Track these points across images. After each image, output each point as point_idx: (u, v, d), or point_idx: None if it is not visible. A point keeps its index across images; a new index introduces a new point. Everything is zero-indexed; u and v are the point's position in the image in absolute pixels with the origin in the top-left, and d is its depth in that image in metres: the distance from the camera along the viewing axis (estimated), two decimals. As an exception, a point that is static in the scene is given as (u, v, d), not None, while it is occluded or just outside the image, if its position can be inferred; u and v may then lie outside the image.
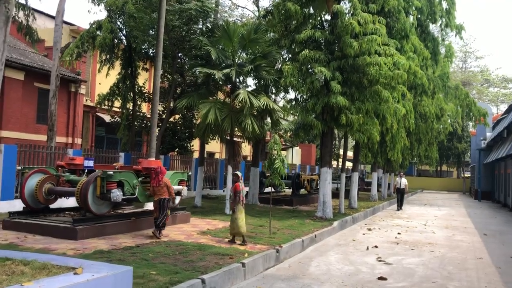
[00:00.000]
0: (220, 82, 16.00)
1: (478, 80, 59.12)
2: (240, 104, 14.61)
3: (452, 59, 26.03)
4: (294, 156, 41.00)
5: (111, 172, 9.34)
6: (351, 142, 33.22)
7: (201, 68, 14.33)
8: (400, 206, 22.76)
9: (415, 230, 14.64)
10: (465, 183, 48.86)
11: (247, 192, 17.25)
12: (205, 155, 32.24)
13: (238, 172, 9.85)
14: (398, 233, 13.61)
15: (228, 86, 16.34)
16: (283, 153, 45.99)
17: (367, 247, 10.69)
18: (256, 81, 16.21)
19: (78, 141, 24.55)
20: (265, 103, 14.18)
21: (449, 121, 32.75)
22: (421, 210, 23.05)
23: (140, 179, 10.75)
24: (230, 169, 15.03)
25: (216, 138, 15.82)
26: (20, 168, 10.21)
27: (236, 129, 15.04)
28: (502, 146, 27.81)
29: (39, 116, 21.76)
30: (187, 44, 17.25)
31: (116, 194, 9.31)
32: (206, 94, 15.24)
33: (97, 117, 26.50)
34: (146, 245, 8.80)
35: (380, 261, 9.23)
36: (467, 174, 51.51)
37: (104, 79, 22.51)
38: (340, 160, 45.10)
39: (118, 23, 19.77)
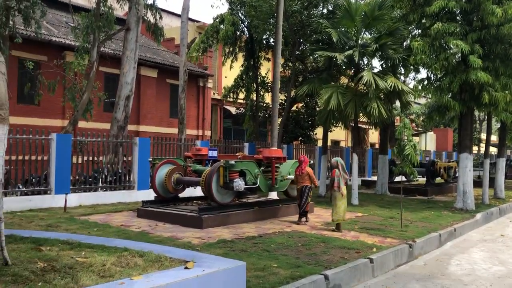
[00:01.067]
0: (343, 66, 15.23)
1: None
2: (364, 87, 13.70)
3: None
4: (428, 142, 38.07)
5: (233, 162, 9.30)
6: (494, 125, 29.65)
7: (321, 52, 13.72)
8: None
9: None
10: None
11: (370, 181, 16.25)
12: (330, 143, 31.58)
13: (336, 159, 9.61)
14: (561, 229, 11.58)
15: (352, 70, 15.47)
16: (415, 139, 43.29)
17: (521, 245, 9.18)
18: (382, 62, 15.04)
19: (208, 133, 25.69)
20: (393, 84, 13.05)
21: None
22: None
23: (262, 168, 10.62)
24: (355, 157, 14.24)
25: (340, 124, 15.09)
26: (150, 159, 10.74)
27: (361, 114, 14.16)
28: None
29: (172, 110, 23.17)
30: (307, 30, 16.74)
31: (239, 183, 9.25)
32: (328, 79, 14.58)
33: (224, 110, 27.46)
34: (269, 235, 8.59)
35: (539, 262, 7.80)
36: None
37: (229, 72, 23.12)
38: (482, 145, 40.86)
39: (240, 14, 20.05)
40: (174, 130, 21.88)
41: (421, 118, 31.64)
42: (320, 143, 30.52)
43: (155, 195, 10.51)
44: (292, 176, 10.80)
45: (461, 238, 9.84)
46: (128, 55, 14.64)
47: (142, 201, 10.48)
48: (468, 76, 12.29)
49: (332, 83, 14.35)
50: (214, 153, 10.66)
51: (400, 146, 9.55)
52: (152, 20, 15.35)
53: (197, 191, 11.85)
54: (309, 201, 10.27)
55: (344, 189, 9.34)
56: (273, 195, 12.91)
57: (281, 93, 22.79)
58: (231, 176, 9.30)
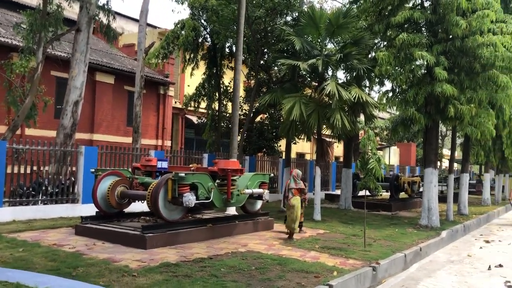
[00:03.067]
0: (307, 76, 14.65)
1: None
2: (328, 98, 13.14)
3: None
4: (392, 156, 38.22)
5: (183, 174, 8.42)
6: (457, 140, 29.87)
7: (284, 60, 13.08)
8: None
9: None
10: None
11: (334, 195, 15.69)
12: (295, 156, 31.02)
13: (294, 170, 10.39)
14: (526, 248, 11.21)
15: (316, 80, 14.91)
16: (379, 153, 43.33)
17: (489, 266, 8.62)
18: (347, 73, 14.56)
19: (168, 143, 24.63)
20: (357, 95, 12.53)
21: None
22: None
23: (217, 181, 9.79)
24: (318, 170, 13.59)
25: (303, 136, 14.46)
26: (93, 170, 9.71)
27: (325, 126, 13.58)
28: None
29: (129, 119, 21.98)
30: (270, 37, 16.12)
31: (189, 198, 8.36)
32: (291, 89, 13.94)
33: (186, 119, 26.49)
34: (220, 257, 7.73)
35: (510, 287, 7.23)
36: None
37: (192, 81, 22.24)
38: (444, 160, 41.38)
39: (202, 21, 19.30)
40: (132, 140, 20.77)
41: (385, 133, 31.56)
42: (293, 155, 30.01)
43: (96, 210, 9.46)
44: (250, 190, 10.01)
45: (427, 259, 9.25)
46: (77, 58, 13.58)
47: (81, 217, 9.41)
48: (434, 89, 11.91)
49: (296, 93, 13.69)
50: (164, 164, 9.74)
51: (363, 159, 8.92)
52: (105, 21, 14.34)
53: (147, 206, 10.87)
54: (302, 213, 10.55)
55: (293, 200, 9.83)
56: (232, 211, 12.06)
57: (245, 104, 22.09)
58: (180, 190, 8.41)
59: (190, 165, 10.60)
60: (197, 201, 8.75)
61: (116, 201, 9.43)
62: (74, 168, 12.52)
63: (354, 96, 12.48)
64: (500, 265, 8.73)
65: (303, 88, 14.44)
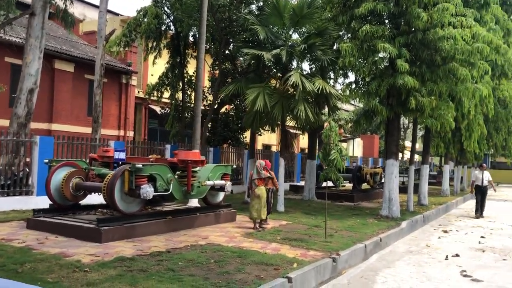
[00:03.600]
0: (270, 65, 14.50)
1: None
2: (292, 88, 13.05)
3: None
4: (356, 148, 38.75)
5: (140, 165, 8.14)
6: (418, 132, 30.46)
7: (247, 50, 12.87)
8: (481, 212, 16.23)
9: (502, 233, 12.38)
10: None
11: (299, 186, 15.68)
12: (261, 147, 30.95)
13: (257, 161, 10.87)
14: (482, 237, 11.46)
15: (281, 71, 14.80)
16: (343, 144, 43.84)
17: (446, 256, 8.76)
18: (312, 64, 14.51)
19: (130, 133, 24.08)
20: (321, 86, 12.48)
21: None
22: (504, 207, 20.02)
23: (178, 173, 9.55)
24: (282, 161, 13.53)
25: (267, 127, 14.35)
26: (46, 161, 9.28)
27: (289, 117, 13.50)
28: None
29: (91, 108, 21.28)
30: (236, 28, 15.86)
31: (146, 190, 8.10)
32: (256, 80, 13.76)
33: (149, 109, 25.94)
34: (179, 250, 7.53)
35: (466, 276, 7.34)
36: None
37: (156, 70, 21.74)
38: (406, 152, 42.28)
39: (166, 8, 18.81)
40: (93, 130, 20.13)
41: (349, 125, 31.88)
42: (260, 146, 29.86)
43: (50, 202, 9.06)
44: (211, 182, 9.82)
45: (387, 250, 9.33)
46: (32, 43, 12.94)
47: (33, 209, 9.00)
48: (396, 81, 11.99)
49: (260, 84, 13.52)
50: (122, 155, 9.41)
51: (325, 150, 8.88)
52: (62, 5, 13.72)
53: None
54: (271, 202, 10.98)
55: (257, 189, 10.11)
56: (195, 203, 11.84)
57: (210, 94, 21.77)
58: (137, 182, 8.13)
59: (150, 156, 10.30)
60: (156, 193, 8.51)
61: (71, 193, 9.06)
62: (28, 159, 11.98)
63: (317, 87, 12.43)
64: (457, 255, 8.89)
65: (268, 79, 14.28)
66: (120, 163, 9.53)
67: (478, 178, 16.26)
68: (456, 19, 12.19)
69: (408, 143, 45.28)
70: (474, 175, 16.56)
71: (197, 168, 9.78)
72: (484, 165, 16.61)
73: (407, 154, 42.23)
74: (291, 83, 12.15)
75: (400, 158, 36.97)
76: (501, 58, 14.44)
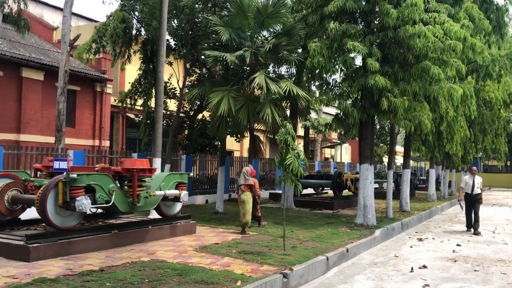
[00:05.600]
0: (239, 69, 13.87)
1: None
2: (261, 91, 12.40)
3: (523, 35, 22.21)
4: (343, 153, 38.11)
5: (75, 175, 7.41)
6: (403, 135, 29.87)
7: (210, 52, 12.22)
8: (475, 227, 12.87)
9: (479, 240, 11.66)
10: (541, 179, 43.58)
11: (279, 194, 15.02)
12: (240, 154, 30.22)
13: (244, 167, 11.29)
14: (457, 245, 10.73)
15: (248, 74, 14.14)
16: (330, 149, 42.98)
17: (412, 268, 8.03)
18: (279, 65, 13.89)
19: (107, 143, 23.34)
20: (288, 88, 11.83)
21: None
22: (489, 212, 19.20)
23: (125, 182, 8.84)
24: (246, 167, 12.82)
25: (234, 133, 13.67)
26: (-19, 173, 8.54)
27: (256, 121, 12.84)
28: None
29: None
30: (203, 30, 15.22)
31: (82, 202, 7.37)
32: (222, 83, 13.12)
33: (127, 118, 25.21)
34: (115, 268, 6.80)
35: (427, 291, 6.64)
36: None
37: (134, 77, 21.02)
38: (398, 157, 41.58)
39: (137, 12, 18.14)
40: (66, 140, 19.41)
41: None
42: (238, 154, 29.18)
43: (-16, 218, 8.31)
44: (162, 192, 9.09)
45: (350, 262, 8.59)
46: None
47: (-39, 226, 8.23)
48: (367, 81, 11.37)
49: (225, 87, 12.85)
50: (63, 165, 8.66)
51: (281, 154, 8.19)
52: (15, 8, 13.04)
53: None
54: (258, 207, 11.43)
55: (243, 195, 10.64)
56: (154, 215, 11.09)
57: (186, 100, 21.08)
58: (72, 193, 7.41)
59: (96, 165, 9.56)
60: (95, 205, 7.79)
61: (7, 207, 8.30)
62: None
63: (284, 89, 11.78)
64: (425, 266, 8.16)
65: (234, 82, 13.61)
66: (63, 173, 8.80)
67: (468, 185, 13.02)
68: (429, 16, 11.61)
69: (399, 148, 44.68)
70: (463, 181, 13.31)
71: (147, 178, 9.06)
72: (474, 168, 13.58)
73: (398, 160, 41.68)
74: (255, 85, 11.48)
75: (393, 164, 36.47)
76: (478, 56, 13.83)
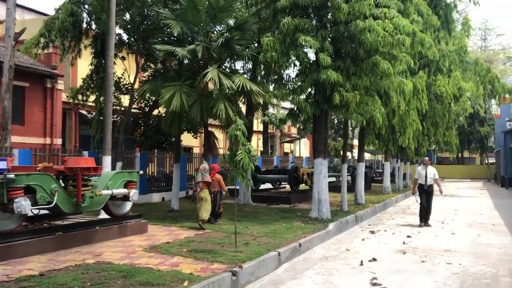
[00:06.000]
0: (194, 64, 13.63)
1: (500, 59, 55.27)
2: (214, 86, 12.21)
3: (469, 32, 22.94)
4: (302, 148, 38.42)
5: (12, 176, 7.03)
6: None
7: (161, 46, 11.92)
8: (425, 220, 12.97)
9: (429, 231, 11.95)
10: (489, 170, 45.53)
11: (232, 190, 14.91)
12: (199, 150, 29.89)
13: (202, 164, 11.20)
14: (408, 236, 10.97)
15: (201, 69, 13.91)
16: (292, 145, 43.15)
17: (361, 262, 8.11)
18: (232, 60, 13.71)
19: (59, 141, 22.50)
20: (241, 83, 11.71)
21: (469, 102, 29.76)
22: (440, 203, 19.78)
23: (70, 182, 8.48)
24: (202, 164, 12.63)
25: (188, 129, 13.43)
26: None
27: (211, 118, 12.65)
28: (531, 127, 24.78)
29: (13, 116, 19.65)
30: (156, 24, 14.84)
31: (21, 204, 6.99)
32: (174, 78, 12.85)
33: (80, 115, 24.40)
34: (56, 272, 6.49)
35: (375, 285, 6.66)
36: (492, 160, 48.09)
37: (86, 72, 20.31)
38: (354, 151, 42.38)
39: (86, 5, 17.51)
40: (13, 138, 18.55)
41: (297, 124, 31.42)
42: (198, 150, 28.76)
43: None
44: (109, 191, 8.78)
45: (301, 257, 8.59)
46: None
47: None
48: (319, 76, 11.40)
49: (177, 82, 12.58)
50: (2, 165, 8.21)
51: (232, 150, 8.07)
52: None
53: None
54: (221, 203, 11.54)
55: (201, 193, 10.67)
56: (103, 214, 10.73)
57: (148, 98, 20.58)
58: (10, 195, 7.02)
59: (39, 164, 9.14)
60: (36, 207, 7.43)
61: None
62: None
63: (237, 84, 11.65)
64: (374, 259, 8.26)
65: (189, 77, 13.36)
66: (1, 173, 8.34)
67: (421, 176, 12.99)
68: (379, 11, 11.74)
69: (356, 142, 45.56)
70: (417, 172, 13.32)
71: (94, 177, 8.73)
72: (427, 158, 13.52)
73: (355, 154, 42.42)
74: (207, 80, 11.29)
75: (350, 158, 37.10)
76: (429, 51, 14.13)
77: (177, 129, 12.82)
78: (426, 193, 12.94)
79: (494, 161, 44.94)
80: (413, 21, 12.54)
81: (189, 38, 12.96)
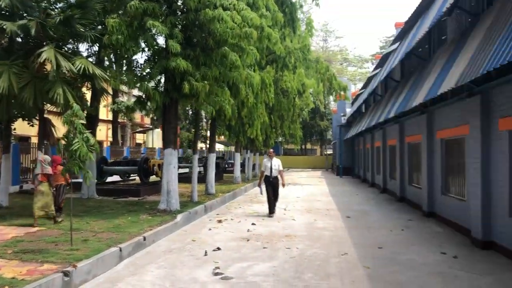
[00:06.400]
0: (27, 41, 12.14)
1: (338, 59, 61.22)
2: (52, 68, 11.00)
3: (312, 32, 24.72)
4: (155, 139, 37.51)
5: None
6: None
7: (-15, 19, 10.32)
8: (272, 209, 13.09)
9: (272, 219, 12.56)
10: (327, 160, 50.20)
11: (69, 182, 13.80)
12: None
13: (42, 155, 10.29)
14: (253, 224, 11.35)
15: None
16: (143, 136, 41.84)
17: (205, 252, 8.09)
18: (81, 42, 12.57)
19: None
20: (82, 66, 10.76)
21: (311, 98, 32.22)
22: (284, 191, 21.06)
23: None
24: (40, 155, 11.38)
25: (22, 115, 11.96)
26: None
27: (47, 102, 11.41)
28: (360, 122, 27.85)
29: None
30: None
31: None
32: (3, 56, 11.27)
33: None
34: None
35: (217, 274, 6.65)
36: (330, 151, 53.10)
37: None
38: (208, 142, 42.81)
39: None
40: None
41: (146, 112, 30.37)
42: (36, 140, 25.92)
43: None
44: None
45: (144, 251, 8.23)
46: None
47: None
48: (169, 63, 11.06)
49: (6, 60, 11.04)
50: None
51: (67, 139, 7.31)
52: None
53: None
54: (64, 197, 10.67)
55: (40, 186, 9.78)
56: None
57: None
58: None
59: None
60: None
61: None
62: None
63: (78, 67, 10.67)
64: (219, 248, 8.32)
65: (21, 56, 11.84)
66: None
67: (266, 167, 13.17)
68: (229, 2, 11.82)
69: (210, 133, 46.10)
70: (263, 164, 13.43)
71: None
72: (271, 151, 13.60)
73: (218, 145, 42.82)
74: (42, 60, 10.12)
75: (203, 149, 37.32)
76: (275, 47, 14.77)
77: (5, 115, 11.28)
78: (271, 185, 13.19)
79: (332, 152, 49.66)
80: (262, 15, 12.92)
81: (23, 13, 11.51)
